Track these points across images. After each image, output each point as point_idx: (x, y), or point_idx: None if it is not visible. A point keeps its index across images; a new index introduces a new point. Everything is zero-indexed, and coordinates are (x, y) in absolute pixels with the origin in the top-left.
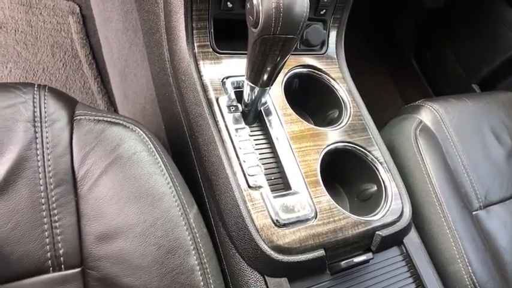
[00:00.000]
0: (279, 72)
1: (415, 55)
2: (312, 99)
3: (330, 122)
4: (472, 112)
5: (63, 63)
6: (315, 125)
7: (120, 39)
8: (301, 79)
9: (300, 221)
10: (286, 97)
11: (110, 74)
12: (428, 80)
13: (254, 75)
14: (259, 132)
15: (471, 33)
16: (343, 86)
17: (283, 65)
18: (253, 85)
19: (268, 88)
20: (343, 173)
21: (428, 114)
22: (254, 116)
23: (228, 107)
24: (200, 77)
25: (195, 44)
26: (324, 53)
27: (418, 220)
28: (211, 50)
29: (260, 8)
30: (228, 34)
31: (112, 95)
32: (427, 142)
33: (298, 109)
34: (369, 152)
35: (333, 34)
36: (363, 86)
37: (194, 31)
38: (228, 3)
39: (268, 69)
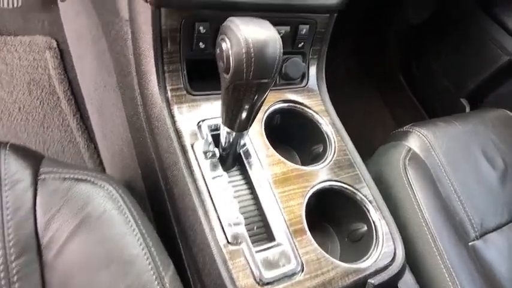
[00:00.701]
0: (256, 115)
1: (403, 71)
2: (295, 134)
3: (315, 157)
4: (462, 135)
5: (40, 100)
6: (300, 160)
7: (95, 78)
8: (282, 114)
9: (286, 277)
10: (267, 133)
11: (89, 111)
12: (417, 97)
13: (229, 120)
14: (239, 177)
15: (456, 48)
16: (327, 120)
17: (260, 107)
18: (229, 129)
19: (245, 131)
20: (332, 212)
21: (417, 140)
22: (233, 159)
23: (205, 153)
24: (174, 122)
25: (168, 88)
26: (305, 86)
27: (412, 259)
28: (185, 92)
29: (230, 52)
30: (203, 74)
31: (92, 131)
32: (416, 171)
33: (282, 144)
34: (357, 190)
35: (313, 66)
36: (351, 106)
37: (166, 74)
38: (200, 43)
39: (244, 113)
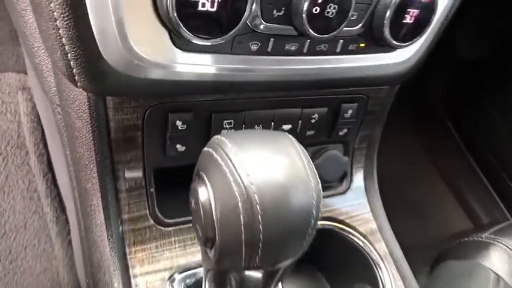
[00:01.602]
0: None
1: (450, 115)
2: (329, 261)
3: None
4: None
5: (3, 157)
6: None
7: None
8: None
9: None
10: None
11: (56, 173)
12: (466, 144)
13: None
14: None
15: None
16: (378, 246)
17: None
18: None
19: None
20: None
21: (507, 262)
22: None
23: None
24: (129, 279)
25: (123, 217)
26: (346, 190)
27: None
28: (151, 222)
29: (214, 211)
30: (181, 183)
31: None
32: None
33: (308, 267)
34: None
35: (358, 161)
36: (387, 153)
37: (121, 195)
38: (178, 146)
39: None
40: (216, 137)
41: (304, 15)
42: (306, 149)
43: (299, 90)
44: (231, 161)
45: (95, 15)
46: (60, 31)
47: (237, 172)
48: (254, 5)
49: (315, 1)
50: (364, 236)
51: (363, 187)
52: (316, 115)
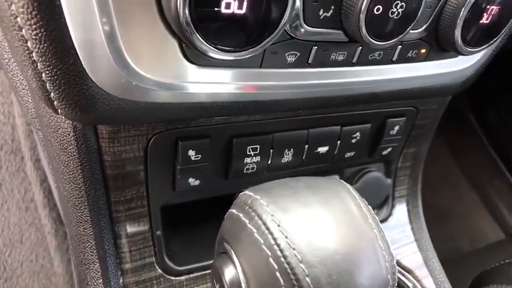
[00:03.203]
0: None
1: (475, 113)
2: None
3: None
4: None
5: None
6: None
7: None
8: None
9: None
10: None
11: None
12: (491, 142)
13: None
14: None
15: None
16: (426, 283)
17: None
18: None
19: None
20: None
21: None
22: None
23: None
24: None
25: (125, 267)
26: (387, 218)
27: None
28: (160, 272)
29: None
30: (192, 224)
31: None
32: None
33: None
34: None
35: (402, 181)
36: None
37: (120, 241)
38: (191, 179)
39: None
40: (244, 192)
41: (362, 16)
42: (342, 171)
43: (340, 106)
44: (267, 228)
45: (75, 22)
46: (29, 44)
47: (276, 244)
48: (297, 3)
49: None
50: (409, 272)
51: (406, 213)
52: (358, 133)
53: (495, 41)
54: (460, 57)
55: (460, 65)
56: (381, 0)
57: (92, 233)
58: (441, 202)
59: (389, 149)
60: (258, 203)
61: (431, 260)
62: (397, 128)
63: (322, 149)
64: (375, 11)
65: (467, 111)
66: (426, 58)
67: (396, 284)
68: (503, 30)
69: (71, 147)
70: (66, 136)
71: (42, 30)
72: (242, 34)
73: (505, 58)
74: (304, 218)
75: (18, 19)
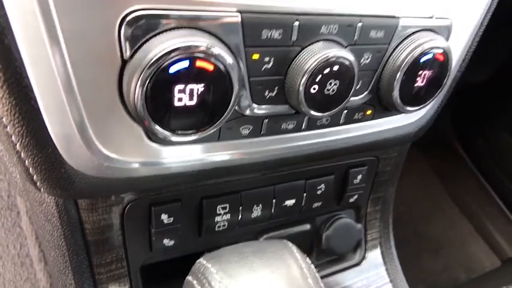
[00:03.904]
0: None
1: (461, 140)
2: None
3: None
4: None
5: None
6: None
7: None
8: None
9: None
10: None
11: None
12: (482, 172)
13: None
14: None
15: None
16: None
17: None
18: None
19: None
20: None
21: None
22: None
23: None
24: None
25: None
26: (360, 261)
27: None
28: None
29: None
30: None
31: None
32: None
33: None
34: None
35: (373, 225)
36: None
37: None
38: (166, 240)
39: None
40: (199, 261)
41: (301, 95)
42: (313, 219)
43: (300, 163)
44: None
45: (52, 121)
46: (13, 138)
47: None
48: (242, 89)
49: (312, 79)
50: None
51: (380, 255)
52: (322, 185)
53: (434, 99)
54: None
55: (409, 119)
56: (316, 81)
57: None
58: (433, 231)
59: (355, 197)
60: (208, 271)
61: None
62: (359, 176)
63: (290, 202)
64: (312, 90)
65: (453, 139)
66: (373, 117)
67: None
68: (440, 90)
69: (54, 219)
70: (49, 209)
71: (23, 128)
72: (195, 120)
73: (485, 88)
74: (249, 282)
75: (3, 119)
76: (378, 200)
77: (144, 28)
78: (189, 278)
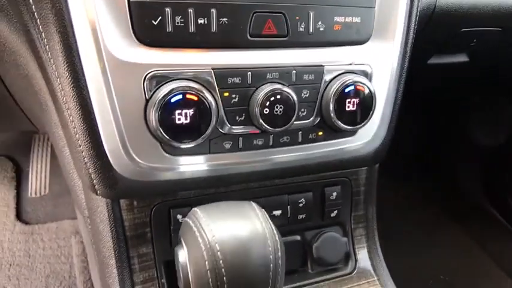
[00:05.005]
0: None
1: (492, 202)
2: None
3: None
4: None
5: None
6: None
7: None
8: None
9: None
10: None
11: None
12: None
13: None
14: None
15: None
16: None
17: None
18: None
19: None
20: None
21: None
22: None
23: None
24: None
25: None
26: (353, 271)
27: None
28: None
29: (188, 267)
30: None
31: None
32: None
33: None
34: None
35: (359, 240)
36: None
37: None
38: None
39: None
40: (193, 209)
41: (258, 116)
42: (303, 233)
43: (278, 178)
44: (200, 226)
45: (106, 141)
46: (83, 153)
47: (203, 235)
48: (220, 114)
49: (264, 104)
50: None
51: (370, 266)
52: (303, 199)
53: (368, 120)
54: (357, 135)
55: (359, 141)
56: (267, 104)
57: (117, 282)
58: None
59: (335, 212)
60: (198, 213)
61: None
62: (335, 194)
63: (277, 212)
64: (265, 112)
65: (486, 204)
66: (325, 139)
67: (279, 259)
68: (371, 113)
69: (105, 218)
70: (102, 211)
71: (90, 146)
72: (189, 133)
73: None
74: (223, 221)
75: (79, 142)
76: (360, 218)
77: (157, 81)
78: (186, 219)
